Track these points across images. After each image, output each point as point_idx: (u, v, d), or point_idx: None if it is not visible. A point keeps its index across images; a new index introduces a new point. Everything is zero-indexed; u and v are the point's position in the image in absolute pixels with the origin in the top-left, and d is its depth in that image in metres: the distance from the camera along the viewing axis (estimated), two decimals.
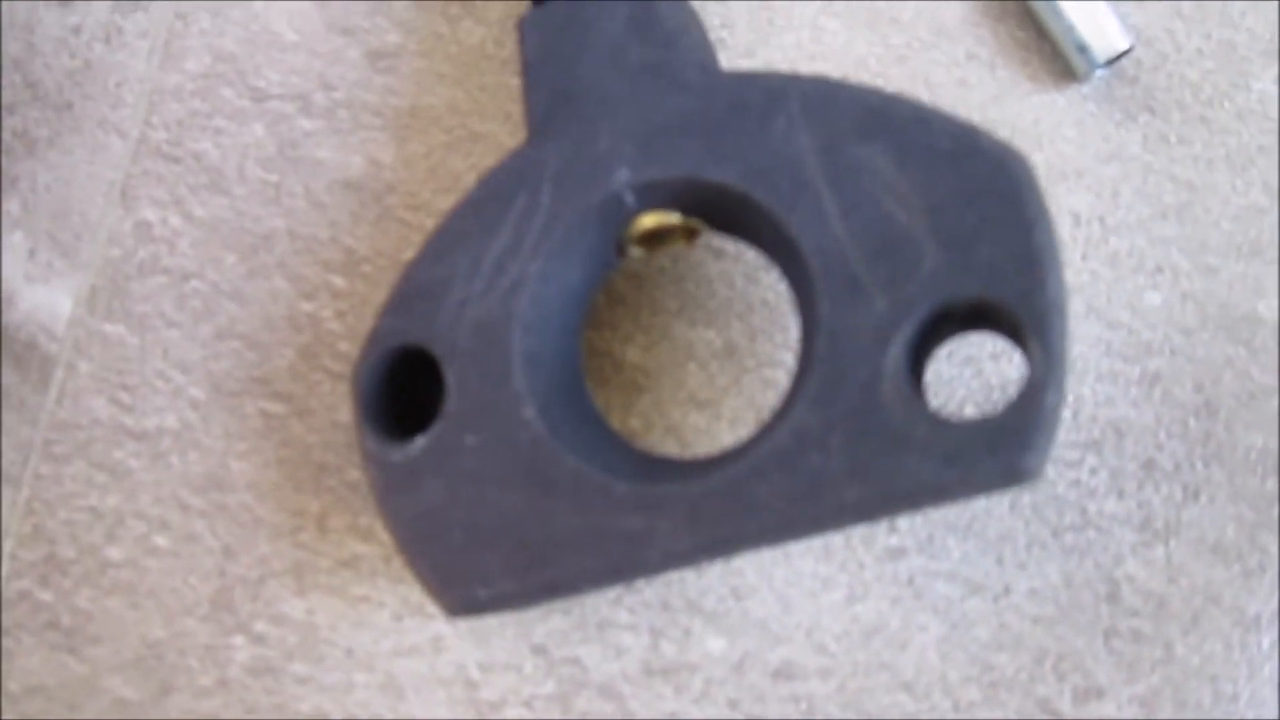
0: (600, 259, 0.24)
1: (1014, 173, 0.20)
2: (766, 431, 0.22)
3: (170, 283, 0.29)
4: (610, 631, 0.27)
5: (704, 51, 0.24)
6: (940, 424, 0.20)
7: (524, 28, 0.25)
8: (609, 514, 0.22)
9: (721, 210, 0.23)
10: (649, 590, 0.27)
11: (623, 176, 0.23)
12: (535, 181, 0.23)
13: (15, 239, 0.29)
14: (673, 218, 0.24)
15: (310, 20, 0.29)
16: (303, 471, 0.28)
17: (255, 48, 0.29)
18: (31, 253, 0.29)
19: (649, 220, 0.24)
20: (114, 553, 0.28)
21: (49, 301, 0.29)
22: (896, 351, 0.20)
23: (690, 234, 0.25)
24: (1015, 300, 0.20)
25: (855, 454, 0.20)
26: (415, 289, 0.24)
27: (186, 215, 0.29)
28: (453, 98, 0.29)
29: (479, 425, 0.23)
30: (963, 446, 0.20)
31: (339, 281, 0.28)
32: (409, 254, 0.28)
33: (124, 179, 0.29)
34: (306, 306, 0.28)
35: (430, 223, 0.28)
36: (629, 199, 0.23)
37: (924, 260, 0.20)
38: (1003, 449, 0.20)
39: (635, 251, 0.25)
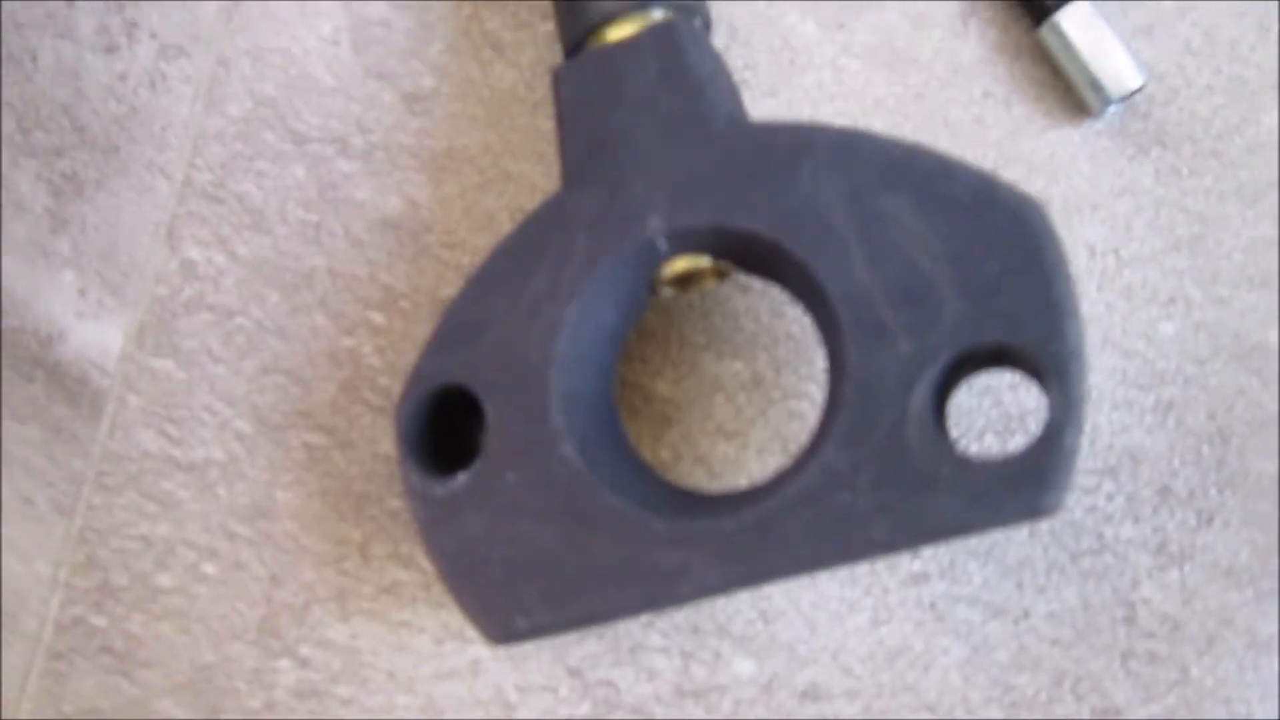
0: (633, 300, 0.25)
1: (1033, 223, 0.21)
2: (795, 469, 0.23)
3: (215, 319, 0.30)
4: (643, 655, 0.28)
5: (732, 101, 0.25)
6: (964, 463, 0.21)
7: (558, 77, 0.26)
8: (645, 549, 0.23)
9: (751, 255, 0.24)
10: (680, 615, 0.28)
11: (655, 224, 0.24)
12: (571, 227, 0.24)
13: (66, 278, 0.30)
14: (703, 261, 0.25)
15: (347, 65, 0.30)
16: (345, 501, 0.29)
17: (295, 92, 0.30)
18: (82, 291, 0.30)
19: (681, 264, 0.25)
20: (164, 580, 0.29)
21: (99, 338, 0.30)
22: (921, 395, 0.21)
23: (720, 274, 0.26)
24: (1035, 347, 0.21)
25: (882, 493, 0.21)
26: (456, 330, 0.25)
27: (230, 254, 0.30)
28: (486, 139, 0.30)
29: (519, 462, 0.24)
30: (985, 486, 0.21)
31: (378, 318, 0.30)
32: (446, 291, 0.29)
33: (170, 219, 0.30)
34: (347, 342, 0.30)
35: (466, 260, 0.29)
36: (661, 245, 0.24)
37: (947, 307, 0.21)
38: (1024, 488, 0.20)
39: (667, 291, 0.26)
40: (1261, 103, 0.29)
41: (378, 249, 0.30)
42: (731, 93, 0.25)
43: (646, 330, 0.29)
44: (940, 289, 0.21)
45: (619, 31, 0.26)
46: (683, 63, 0.24)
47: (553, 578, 0.24)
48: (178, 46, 0.31)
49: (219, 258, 0.30)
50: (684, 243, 0.24)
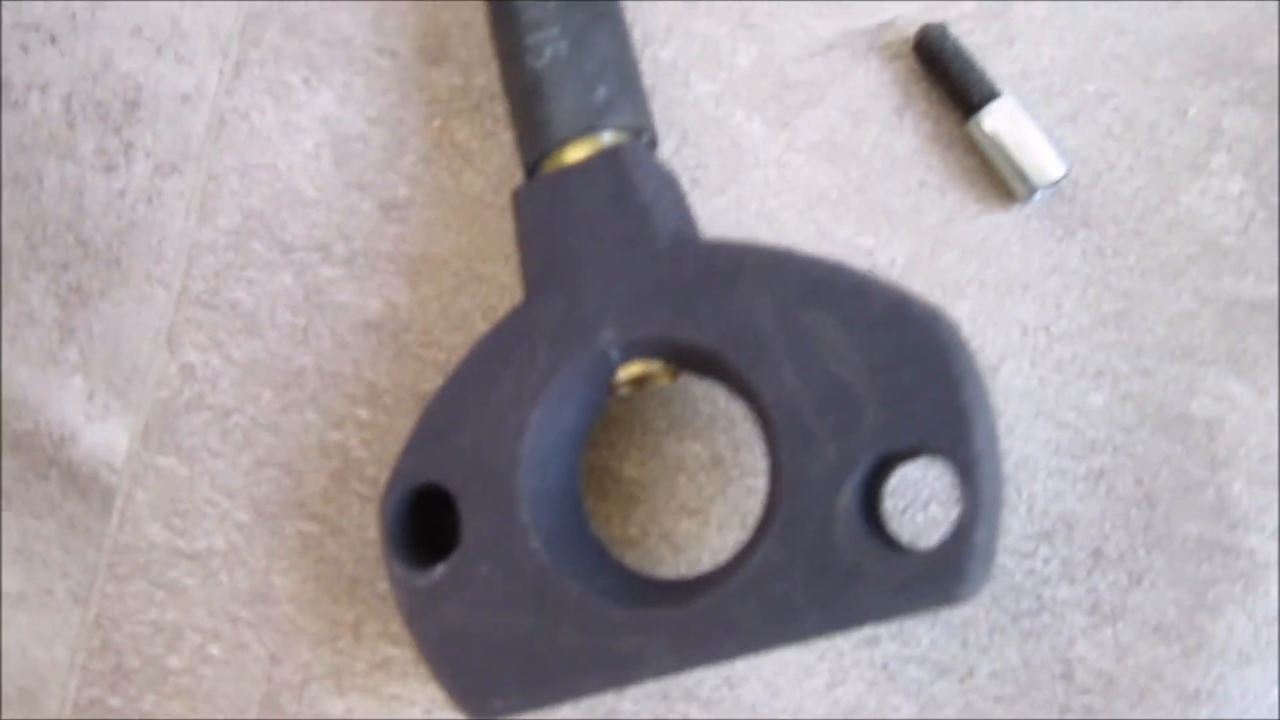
0: (592, 403, 0.27)
1: (941, 335, 0.23)
2: (740, 560, 0.25)
3: (214, 418, 0.32)
4: (609, 706, 0.30)
5: (677, 217, 0.27)
6: (886, 558, 0.23)
7: (517, 199, 0.28)
8: (607, 636, 0.25)
9: (696, 362, 0.26)
10: (651, 682, 0.30)
11: (608, 335, 0.26)
12: (532, 338, 0.27)
13: (75, 383, 0.33)
14: (655, 365, 0.27)
15: (328, 178, 0.33)
16: (338, 585, 0.31)
17: (280, 204, 0.33)
18: (90, 395, 0.33)
19: (634, 368, 0.27)
20: (174, 661, 0.32)
21: (107, 438, 0.33)
22: (848, 494, 0.23)
23: (672, 375, 0.28)
24: (946, 451, 0.23)
25: (814, 586, 0.23)
26: (431, 432, 0.28)
27: (225, 357, 0.32)
28: (458, 243, 0.32)
29: (491, 555, 0.26)
30: (906, 578, 0.23)
31: (363, 413, 0.32)
32: (425, 386, 0.32)
33: (169, 326, 0.33)
34: (335, 436, 0.32)
35: (443, 358, 0.32)
36: (614, 354, 0.26)
37: (867, 415, 0.23)
38: (940, 580, 0.23)
39: (624, 391, 0.28)
40: (1178, 183, 0.31)
41: (361, 348, 0.32)
42: (677, 207, 0.28)
43: (612, 418, 0.31)
44: (861, 398, 0.23)
45: (573, 154, 0.28)
46: (630, 185, 0.27)
47: (525, 662, 0.26)
48: (171, 164, 0.33)
49: (215, 360, 0.32)
50: (635, 351, 0.27)
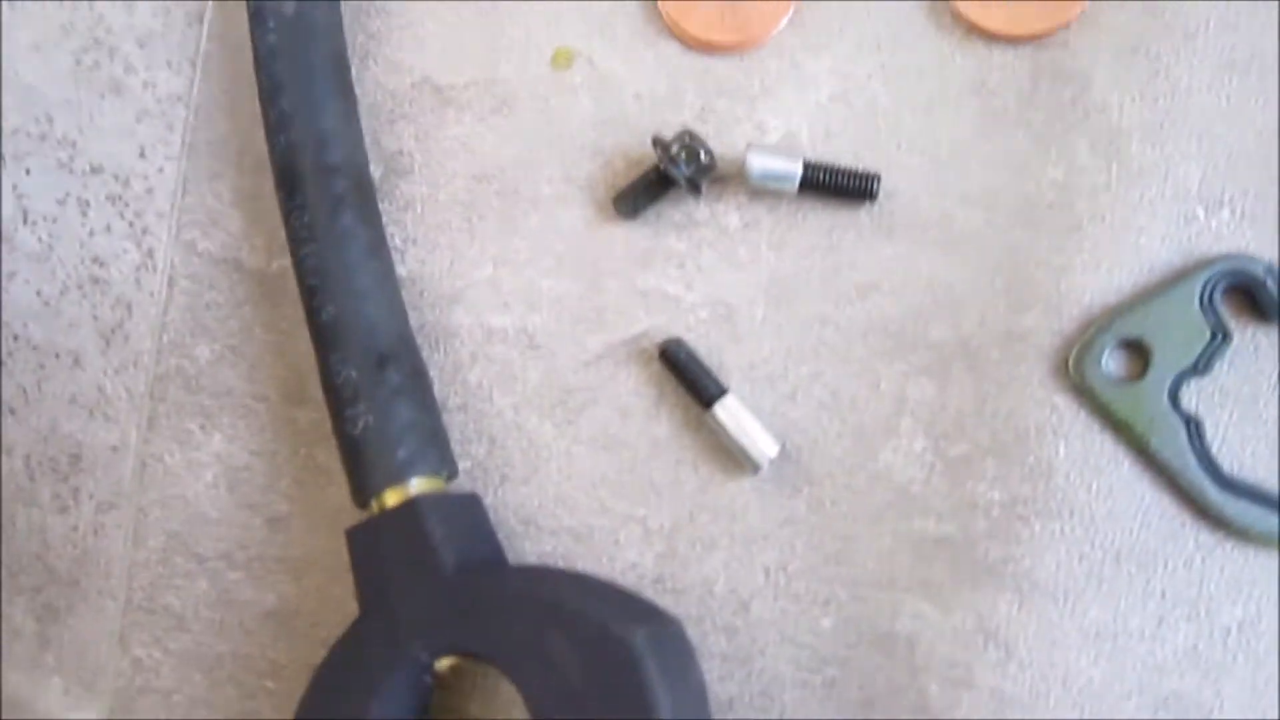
0: (420, 690, 0.36)
1: (634, 650, 0.32)
2: None
3: (160, 699, 0.42)
4: None
5: (468, 547, 0.36)
6: None
7: (349, 538, 0.37)
8: None
9: (489, 662, 0.35)
10: None
11: (416, 645, 0.35)
12: (365, 649, 0.36)
13: (54, 682, 0.43)
14: (460, 658, 0.36)
15: (226, 501, 0.42)
16: None
17: (193, 525, 0.42)
18: (66, 690, 0.42)
19: (445, 663, 0.36)
20: None
21: None
22: None
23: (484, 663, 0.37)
24: None
25: None
26: None
27: (165, 650, 0.42)
28: (329, 544, 0.41)
29: None
30: None
31: (270, 684, 0.41)
32: (315, 658, 0.41)
33: (120, 630, 0.42)
34: (250, 704, 0.41)
35: (326, 634, 0.41)
36: (424, 657, 0.35)
37: (590, 708, 0.32)
38: None
39: (450, 675, 0.37)
40: (876, 444, 0.39)
41: (264, 634, 0.41)
42: (471, 534, 0.37)
43: (461, 693, 0.40)
44: (581, 698, 0.32)
45: (389, 499, 0.37)
46: (423, 530, 0.36)
47: None
48: (109, 502, 0.43)
49: (157, 653, 0.42)
50: (442, 652, 0.35)
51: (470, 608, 0.35)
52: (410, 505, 0.36)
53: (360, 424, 0.37)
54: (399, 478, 0.37)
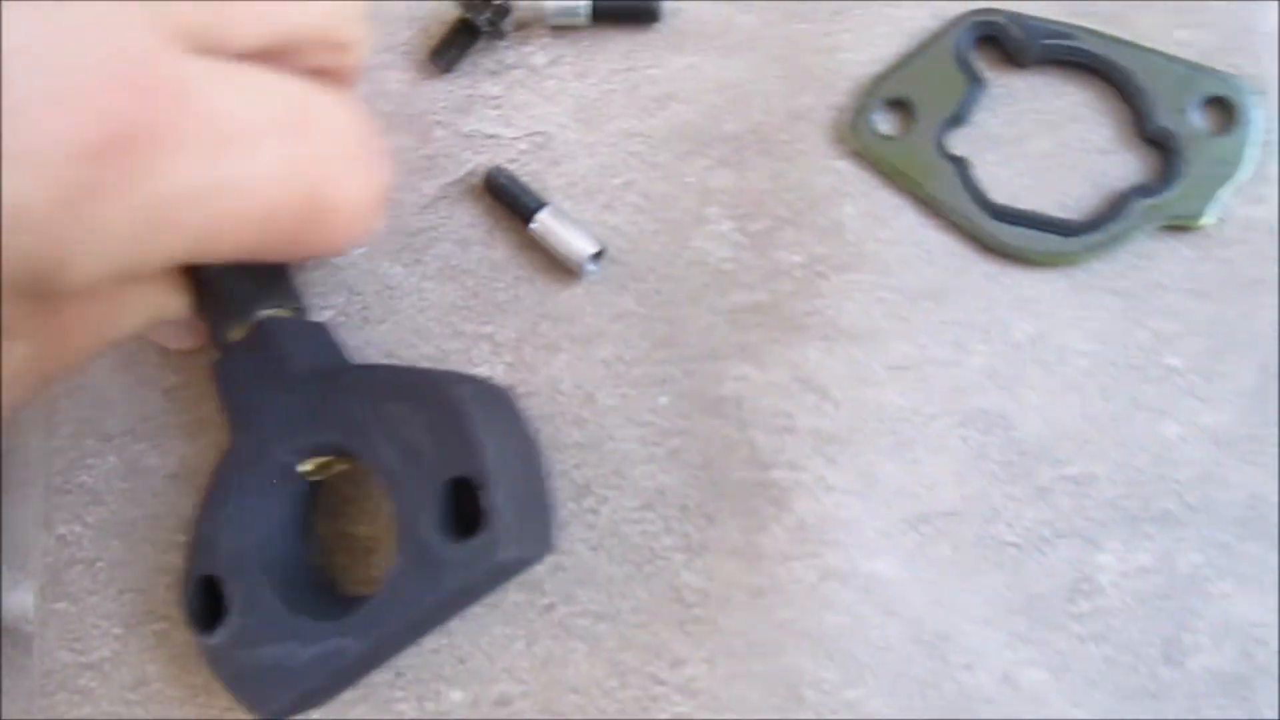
0: (295, 492, 0.40)
1: (460, 404, 0.36)
2: (389, 575, 0.37)
3: (85, 568, 0.46)
4: (386, 695, 0.42)
5: (316, 357, 0.40)
6: (462, 551, 0.35)
7: (213, 370, 0.41)
8: (328, 646, 0.38)
9: (343, 450, 0.39)
10: (410, 671, 0.43)
11: (280, 449, 0.39)
12: (237, 463, 0.40)
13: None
14: (322, 458, 0.40)
15: (126, 381, 0.46)
16: (190, 661, 0.44)
17: (99, 407, 0.46)
18: (3, 573, 0.46)
19: (309, 464, 0.40)
20: None
21: (21, 601, 0.46)
22: (431, 516, 0.36)
23: (344, 460, 0.41)
24: (473, 475, 0.35)
25: (423, 582, 0.36)
26: (201, 540, 0.41)
27: (84, 524, 0.46)
28: (216, 404, 0.45)
29: (245, 613, 0.39)
30: (476, 562, 0.35)
31: (181, 538, 0.45)
32: None
33: (44, 512, 0.46)
34: (166, 558, 0.45)
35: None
36: (290, 459, 0.39)
37: (428, 462, 0.36)
38: (493, 557, 0.35)
39: (316, 476, 0.41)
40: (688, 234, 0.43)
41: (170, 494, 0.45)
42: (316, 347, 0.41)
43: (345, 497, 0.44)
44: (425, 452, 0.36)
45: (240, 331, 0.41)
46: (273, 344, 0.40)
47: (289, 674, 0.38)
48: None
49: (77, 528, 0.46)
50: (303, 454, 0.39)
51: (320, 406, 0.39)
52: (257, 328, 0.40)
53: (211, 272, 0.41)
54: (247, 313, 0.41)
